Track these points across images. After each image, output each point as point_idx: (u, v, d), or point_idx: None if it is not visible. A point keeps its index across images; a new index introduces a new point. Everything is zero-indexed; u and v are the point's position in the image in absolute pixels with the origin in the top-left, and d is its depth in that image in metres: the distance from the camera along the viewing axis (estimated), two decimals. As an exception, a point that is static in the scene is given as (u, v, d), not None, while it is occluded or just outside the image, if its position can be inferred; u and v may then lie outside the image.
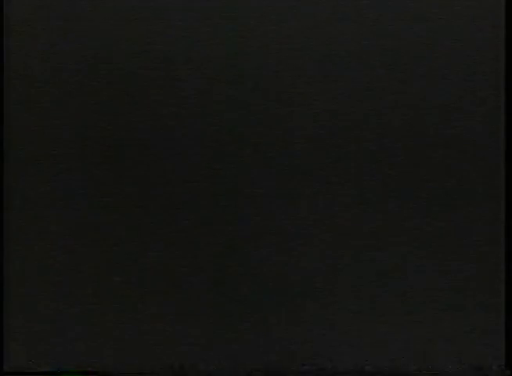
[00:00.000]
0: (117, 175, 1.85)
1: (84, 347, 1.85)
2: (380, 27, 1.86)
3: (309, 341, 1.86)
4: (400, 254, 1.86)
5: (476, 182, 1.86)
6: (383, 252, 1.86)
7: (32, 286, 1.84)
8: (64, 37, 1.85)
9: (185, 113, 1.85)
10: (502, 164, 1.87)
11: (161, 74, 1.85)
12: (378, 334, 1.86)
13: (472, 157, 1.86)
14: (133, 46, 1.85)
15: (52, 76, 1.85)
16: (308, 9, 1.86)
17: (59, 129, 1.85)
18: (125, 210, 1.85)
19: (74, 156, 1.85)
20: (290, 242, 1.85)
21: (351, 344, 1.86)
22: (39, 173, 1.84)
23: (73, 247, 1.85)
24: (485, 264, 1.86)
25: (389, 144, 1.86)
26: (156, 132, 1.85)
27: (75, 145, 1.84)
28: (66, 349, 1.85)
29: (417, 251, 1.86)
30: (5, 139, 1.84)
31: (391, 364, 1.85)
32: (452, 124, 1.86)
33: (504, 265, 1.86)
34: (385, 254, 1.86)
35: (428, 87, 1.86)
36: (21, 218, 1.84)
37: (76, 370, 1.84)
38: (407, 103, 1.86)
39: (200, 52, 1.86)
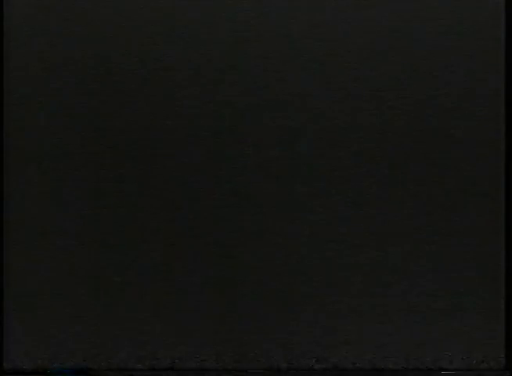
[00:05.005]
0: (117, 175, 1.85)
1: (84, 347, 1.85)
2: (380, 26, 1.86)
3: (309, 341, 1.86)
4: (400, 254, 1.86)
5: (476, 182, 1.86)
6: (383, 252, 1.86)
7: (32, 286, 1.84)
8: (64, 38, 1.85)
9: (185, 113, 1.85)
10: (502, 164, 1.87)
11: (161, 74, 1.85)
12: (377, 334, 1.85)
13: (472, 157, 1.86)
14: (133, 46, 1.85)
15: (52, 76, 1.85)
16: (309, 8, 1.86)
17: (59, 129, 1.85)
18: (125, 210, 1.85)
19: (74, 156, 1.84)
20: (290, 242, 1.85)
21: (351, 343, 1.85)
22: (39, 173, 1.84)
23: (73, 247, 1.84)
24: (485, 264, 1.86)
25: (389, 144, 1.86)
26: (156, 132, 1.85)
27: (75, 145, 1.84)
28: (65, 349, 1.84)
29: (417, 251, 1.86)
30: (5, 139, 1.84)
31: (391, 364, 1.85)
32: (452, 124, 1.86)
33: (504, 265, 1.86)
34: (385, 254, 1.86)
35: (428, 87, 1.86)
36: (21, 218, 1.84)
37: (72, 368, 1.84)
38: (407, 103, 1.86)
39: (200, 53, 1.86)
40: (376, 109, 1.86)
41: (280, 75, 1.85)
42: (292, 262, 1.85)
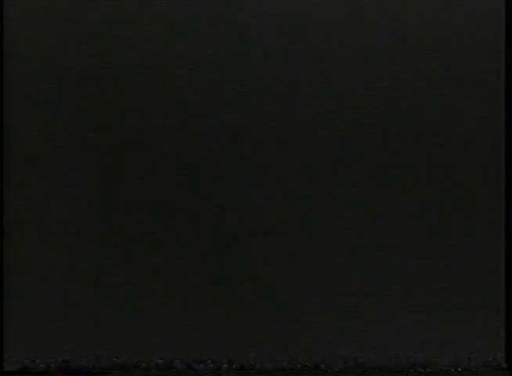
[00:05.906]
0: (116, 175, 1.85)
1: (85, 347, 1.85)
2: (380, 26, 1.86)
3: (309, 341, 1.86)
4: (400, 254, 1.86)
5: (476, 181, 1.86)
6: (383, 252, 1.86)
7: (32, 286, 1.84)
8: (64, 38, 1.85)
9: (185, 113, 1.85)
10: (502, 164, 1.87)
11: (161, 75, 1.85)
12: (377, 334, 1.86)
13: (472, 157, 1.86)
14: (133, 47, 1.85)
15: (52, 76, 1.85)
16: (309, 8, 1.86)
17: (59, 129, 1.85)
18: (125, 210, 1.85)
19: (74, 156, 1.85)
20: (289, 242, 1.85)
21: (351, 343, 1.86)
22: (39, 173, 1.84)
23: (74, 247, 1.84)
24: (485, 264, 1.86)
25: (389, 144, 1.86)
26: (156, 132, 1.85)
27: (75, 145, 1.84)
28: (66, 349, 1.85)
29: (417, 251, 1.86)
30: (5, 139, 1.84)
31: (390, 364, 1.85)
32: (452, 124, 1.86)
33: (504, 264, 1.86)
34: (385, 254, 1.86)
35: (428, 87, 1.86)
36: (21, 218, 1.84)
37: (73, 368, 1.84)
38: (407, 103, 1.86)
39: (200, 53, 1.86)
40: (376, 109, 1.86)
41: (280, 75, 1.85)
42: (292, 261, 1.85)
